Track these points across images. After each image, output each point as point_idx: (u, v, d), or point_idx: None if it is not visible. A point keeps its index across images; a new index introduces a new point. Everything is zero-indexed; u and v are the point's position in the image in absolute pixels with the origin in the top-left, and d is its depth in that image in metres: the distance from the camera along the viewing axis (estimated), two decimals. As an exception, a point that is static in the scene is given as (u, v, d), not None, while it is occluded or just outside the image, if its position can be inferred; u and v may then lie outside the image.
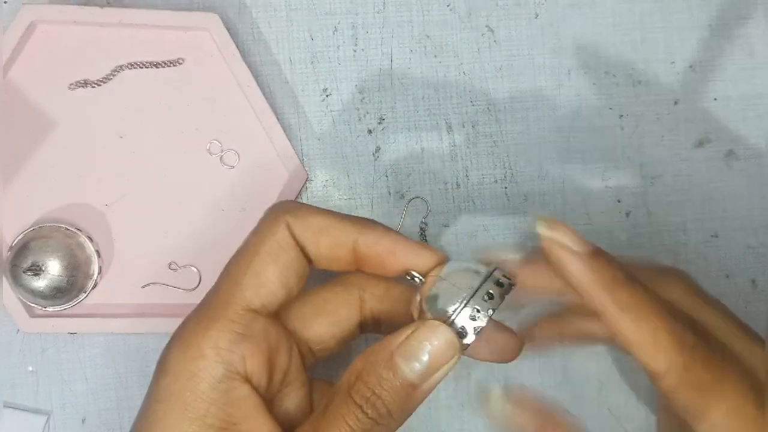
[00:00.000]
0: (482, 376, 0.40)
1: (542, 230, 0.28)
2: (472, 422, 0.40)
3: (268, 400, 0.29)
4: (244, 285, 0.29)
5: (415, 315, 0.30)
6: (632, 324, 0.27)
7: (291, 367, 0.30)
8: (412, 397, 0.27)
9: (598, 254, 0.28)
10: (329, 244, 0.30)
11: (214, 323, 0.28)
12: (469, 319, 0.28)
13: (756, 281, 0.42)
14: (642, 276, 0.29)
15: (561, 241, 0.28)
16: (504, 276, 0.29)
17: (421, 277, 0.30)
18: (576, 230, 0.28)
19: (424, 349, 0.27)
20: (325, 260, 0.31)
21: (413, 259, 0.30)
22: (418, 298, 0.30)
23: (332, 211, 0.31)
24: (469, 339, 0.28)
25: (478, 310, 0.28)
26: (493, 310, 0.28)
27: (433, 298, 0.29)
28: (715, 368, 0.27)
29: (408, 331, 0.27)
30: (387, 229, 0.31)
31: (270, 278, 0.29)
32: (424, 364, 0.27)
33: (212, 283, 0.30)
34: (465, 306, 0.28)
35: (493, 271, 0.29)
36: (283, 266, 0.29)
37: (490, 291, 0.28)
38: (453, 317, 0.28)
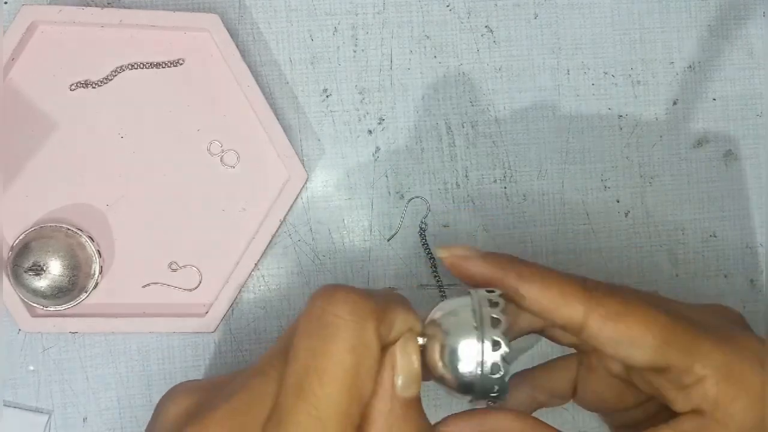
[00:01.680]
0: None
1: (441, 253, 0.32)
2: (471, 421, 0.40)
3: None
4: (355, 415, 0.26)
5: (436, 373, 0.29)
6: (539, 289, 0.30)
7: None
8: (417, 406, 0.28)
9: (489, 253, 0.31)
10: (392, 340, 0.28)
11: None
12: (493, 352, 0.27)
13: (754, 281, 0.42)
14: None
15: (457, 253, 0.31)
16: (488, 292, 0.29)
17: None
18: (458, 245, 0.32)
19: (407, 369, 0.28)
20: None
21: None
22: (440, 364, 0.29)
23: (397, 300, 0.28)
24: (506, 369, 0.27)
25: (496, 341, 0.27)
26: (507, 328, 0.28)
27: (453, 353, 0.28)
28: (620, 300, 0.30)
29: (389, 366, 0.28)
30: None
31: (369, 392, 0.27)
32: (412, 379, 0.28)
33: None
34: (483, 343, 0.27)
35: (486, 296, 0.29)
36: (375, 374, 0.27)
37: (494, 316, 0.28)
38: (485, 361, 0.27)
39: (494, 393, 0.28)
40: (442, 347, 0.28)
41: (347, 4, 0.40)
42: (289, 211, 0.39)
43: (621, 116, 0.41)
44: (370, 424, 0.28)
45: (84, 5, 0.38)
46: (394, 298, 0.28)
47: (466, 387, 0.28)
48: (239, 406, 0.28)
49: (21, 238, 0.37)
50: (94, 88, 0.39)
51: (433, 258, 0.40)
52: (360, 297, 0.27)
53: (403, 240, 0.40)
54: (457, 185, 0.40)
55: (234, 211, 0.39)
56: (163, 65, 0.39)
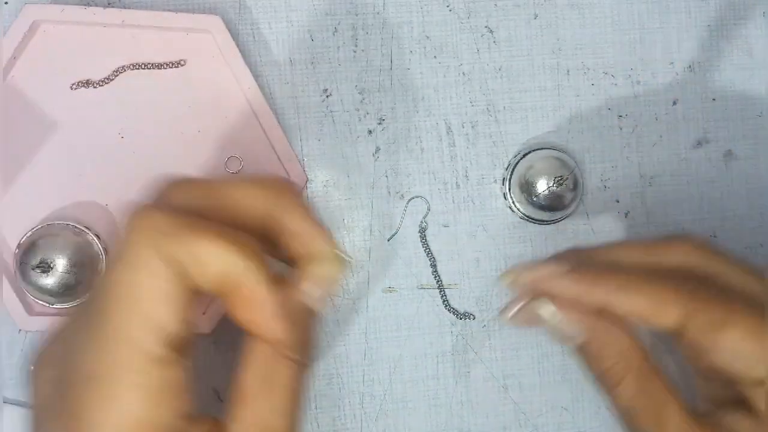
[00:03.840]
0: (482, 376, 0.40)
1: (512, 282, 0.32)
2: (471, 422, 0.40)
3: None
4: (140, 340, 0.24)
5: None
6: (628, 300, 0.29)
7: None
8: (317, 323, 0.29)
9: (569, 270, 0.31)
10: (211, 276, 0.25)
11: (123, 399, 0.24)
12: None
13: (754, 281, 0.42)
14: (653, 248, 0.31)
15: (538, 277, 0.31)
16: None
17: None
18: (533, 265, 0.32)
19: (326, 282, 0.28)
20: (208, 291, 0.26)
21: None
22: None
23: (211, 228, 0.26)
24: None
25: None
26: None
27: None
28: (721, 306, 0.29)
29: (306, 274, 0.28)
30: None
31: (165, 319, 0.25)
32: (326, 293, 0.28)
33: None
34: None
35: None
36: (175, 302, 0.25)
37: None
38: None
39: None
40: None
41: (347, 4, 0.40)
42: (289, 210, 0.39)
43: (621, 116, 0.41)
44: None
45: (86, 5, 0.38)
46: (211, 225, 0.26)
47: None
48: (66, 333, 0.27)
49: (28, 235, 0.37)
50: (95, 88, 0.39)
51: (433, 258, 0.40)
52: (152, 213, 0.25)
53: (403, 240, 0.40)
54: (457, 185, 0.41)
55: (234, 211, 0.39)
56: (165, 66, 0.39)
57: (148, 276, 0.24)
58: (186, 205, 0.26)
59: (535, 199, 0.39)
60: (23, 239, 0.37)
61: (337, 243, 0.29)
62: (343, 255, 0.28)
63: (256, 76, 0.39)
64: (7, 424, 0.38)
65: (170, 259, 0.24)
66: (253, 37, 0.40)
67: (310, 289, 0.28)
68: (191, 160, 0.39)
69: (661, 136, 0.41)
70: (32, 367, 0.27)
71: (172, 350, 0.25)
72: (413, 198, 0.40)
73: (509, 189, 0.40)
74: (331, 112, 0.40)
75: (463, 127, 0.41)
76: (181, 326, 0.25)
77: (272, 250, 0.29)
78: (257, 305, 0.26)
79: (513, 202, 0.40)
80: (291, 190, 0.29)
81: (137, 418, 0.24)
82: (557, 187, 0.38)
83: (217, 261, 0.25)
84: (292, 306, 0.27)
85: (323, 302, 0.28)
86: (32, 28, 0.38)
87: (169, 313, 0.25)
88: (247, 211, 0.28)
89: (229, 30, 0.38)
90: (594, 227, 0.41)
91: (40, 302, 0.37)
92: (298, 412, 0.28)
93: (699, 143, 0.42)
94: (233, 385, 0.27)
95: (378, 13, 0.40)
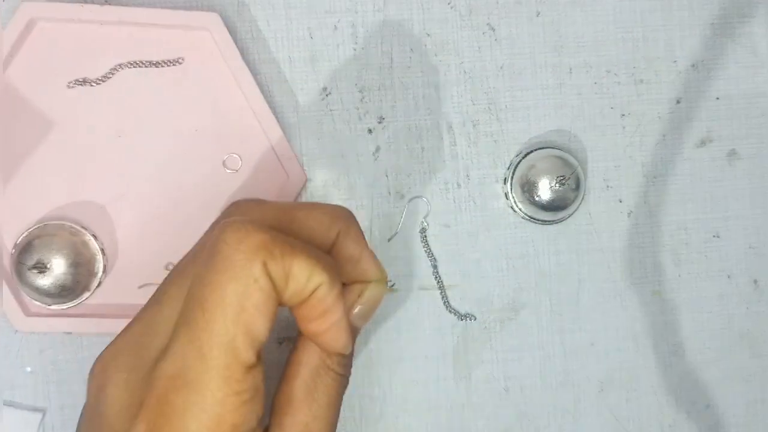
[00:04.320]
0: (483, 377, 0.40)
1: None
2: (472, 424, 0.40)
3: None
4: (240, 350, 0.26)
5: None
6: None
7: None
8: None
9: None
10: (293, 291, 0.27)
11: (223, 406, 0.25)
12: None
13: (758, 281, 0.41)
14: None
15: None
16: None
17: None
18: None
19: (372, 304, 0.31)
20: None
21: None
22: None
23: (302, 246, 0.27)
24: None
25: None
26: None
27: None
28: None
29: (355, 294, 0.31)
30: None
31: (261, 331, 0.26)
32: (369, 314, 0.32)
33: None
34: None
35: None
36: (270, 314, 0.26)
37: None
38: None
39: None
40: None
41: (347, 1, 0.40)
42: (288, 210, 0.38)
43: (623, 115, 0.41)
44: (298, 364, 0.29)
45: (83, 2, 0.38)
46: (301, 244, 0.27)
47: None
48: (132, 337, 0.28)
49: (24, 235, 0.37)
50: (92, 86, 0.38)
51: (434, 258, 0.40)
52: (253, 229, 0.26)
53: (403, 240, 0.40)
54: (458, 185, 0.40)
55: (233, 211, 0.39)
56: (162, 64, 0.39)
57: (256, 289, 0.26)
58: (263, 224, 0.28)
59: (537, 198, 0.38)
60: (19, 239, 0.37)
61: (385, 272, 0.32)
62: (390, 282, 0.33)
63: (255, 74, 0.38)
64: (7, 425, 0.38)
65: (271, 274, 0.26)
66: (252, 34, 0.40)
67: (358, 309, 0.31)
68: (189, 159, 0.39)
69: (664, 135, 0.41)
70: (93, 371, 0.28)
71: (259, 359, 0.27)
72: (413, 198, 0.40)
73: (511, 189, 0.39)
74: (331, 110, 0.40)
75: (464, 126, 0.40)
76: (268, 336, 0.27)
77: None
78: (332, 318, 0.28)
79: (515, 202, 0.40)
80: (351, 217, 0.31)
81: (231, 423, 0.25)
82: (559, 186, 0.38)
83: (306, 275, 0.27)
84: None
85: (365, 321, 0.31)
86: (29, 26, 0.38)
87: (265, 324, 0.26)
88: (312, 233, 0.30)
89: (228, 27, 0.38)
90: (596, 227, 0.41)
91: (37, 303, 0.37)
92: (337, 420, 0.30)
93: (702, 142, 0.41)
94: (277, 394, 0.29)
95: (378, 10, 0.40)
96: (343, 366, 0.30)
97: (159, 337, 0.27)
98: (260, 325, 0.26)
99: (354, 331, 0.31)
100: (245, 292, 0.26)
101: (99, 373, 0.28)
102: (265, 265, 0.26)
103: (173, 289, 0.28)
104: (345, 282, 0.31)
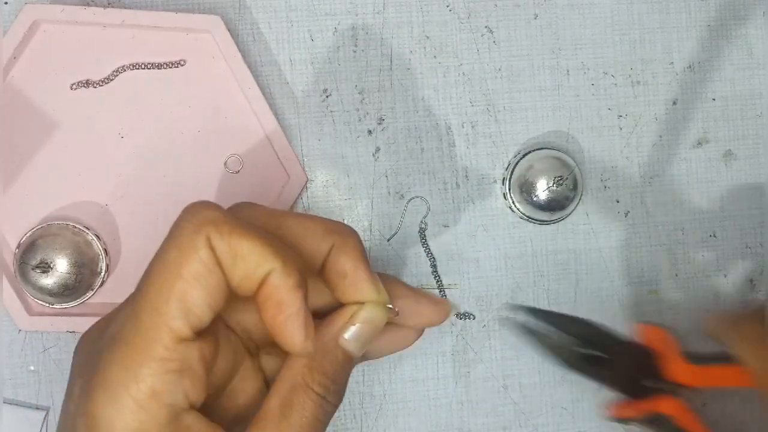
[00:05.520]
0: (482, 375, 0.40)
1: None
2: (471, 422, 0.40)
3: (218, 392, 0.29)
4: (170, 314, 0.25)
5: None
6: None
7: (236, 360, 0.30)
8: (351, 368, 0.29)
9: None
10: (242, 273, 0.27)
11: (144, 367, 0.25)
12: None
13: (754, 281, 0.42)
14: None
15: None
16: None
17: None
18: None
19: (367, 328, 0.29)
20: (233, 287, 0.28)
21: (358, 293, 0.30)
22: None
23: (256, 230, 0.27)
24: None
25: None
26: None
27: None
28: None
29: (348, 314, 0.29)
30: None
31: (197, 303, 0.26)
32: (366, 340, 0.29)
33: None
34: None
35: None
36: (210, 289, 0.26)
37: None
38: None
39: None
40: None
41: (347, 4, 0.40)
42: (289, 210, 0.39)
43: (621, 116, 0.41)
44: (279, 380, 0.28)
45: (86, 5, 0.38)
46: (257, 229, 0.27)
47: None
48: (112, 313, 0.29)
49: (28, 235, 0.37)
50: (95, 87, 0.39)
51: (433, 258, 0.40)
52: (207, 206, 0.27)
53: (403, 240, 0.40)
54: (457, 185, 0.41)
55: (234, 211, 0.39)
56: (165, 66, 0.39)
57: (194, 259, 0.26)
58: (248, 221, 0.28)
59: (535, 199, 0.39)
60: (23, 239, 0.37)
61: (385, 293, 0.30)
62: (389, 305, 0.30)
63: (256, 76, 0.39)
64: (7, 424, 0.38)
65: (215, 248, 0.26)
66: (253, 37, 0.40)
67: (351, 331, 0.29)
68: (191, 160, 0.39)
69: (660, 136, 0.41)
70: (75, 348, 0.29)
71: (197, 336, 0.26)
72: (413, 198, 0.40)
73: (509, 189, 0.40)
74: (331, 112, 0.40)
75: (463, 127, 0.41)
76: (208, 314, 0.26)
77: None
78: (287, 310, 0.27)
79: (513, 202, 0.40)
80: (351, 234, 0.30)
81: (151, 387, 0.25)
82: (557, 187, 0.38)
83: (255, 259, 0.26)
84: (328, 343, 0.29)
85: (361, 347, 0.29)
86: (32, 28, 0.38)
87: (202, 297, 0.26)
88: (299, 240, 0.29)
89: (229, 30, 0.38)
90: (594, 227, 0.41)
91: (40, 302, 0.37)
92: None
93: (699, 143, 0.42)
94: (260, 407, 0.29)
95: (378, 13, 0.40)
96: (324, 388, 0.28)
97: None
98: (196, 297, 0.26)
99: (347, 357, 0.29)
100: (184, 260, 0.26)
101: (77, 347, 0.29)
102: (209, 239, 0.26)
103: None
104: (342, 302, 0.30)
